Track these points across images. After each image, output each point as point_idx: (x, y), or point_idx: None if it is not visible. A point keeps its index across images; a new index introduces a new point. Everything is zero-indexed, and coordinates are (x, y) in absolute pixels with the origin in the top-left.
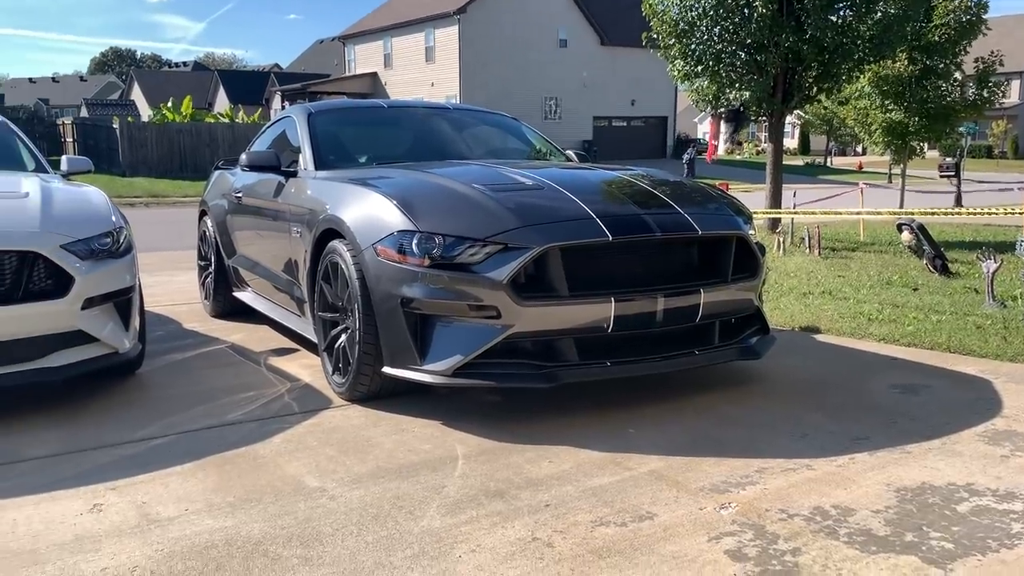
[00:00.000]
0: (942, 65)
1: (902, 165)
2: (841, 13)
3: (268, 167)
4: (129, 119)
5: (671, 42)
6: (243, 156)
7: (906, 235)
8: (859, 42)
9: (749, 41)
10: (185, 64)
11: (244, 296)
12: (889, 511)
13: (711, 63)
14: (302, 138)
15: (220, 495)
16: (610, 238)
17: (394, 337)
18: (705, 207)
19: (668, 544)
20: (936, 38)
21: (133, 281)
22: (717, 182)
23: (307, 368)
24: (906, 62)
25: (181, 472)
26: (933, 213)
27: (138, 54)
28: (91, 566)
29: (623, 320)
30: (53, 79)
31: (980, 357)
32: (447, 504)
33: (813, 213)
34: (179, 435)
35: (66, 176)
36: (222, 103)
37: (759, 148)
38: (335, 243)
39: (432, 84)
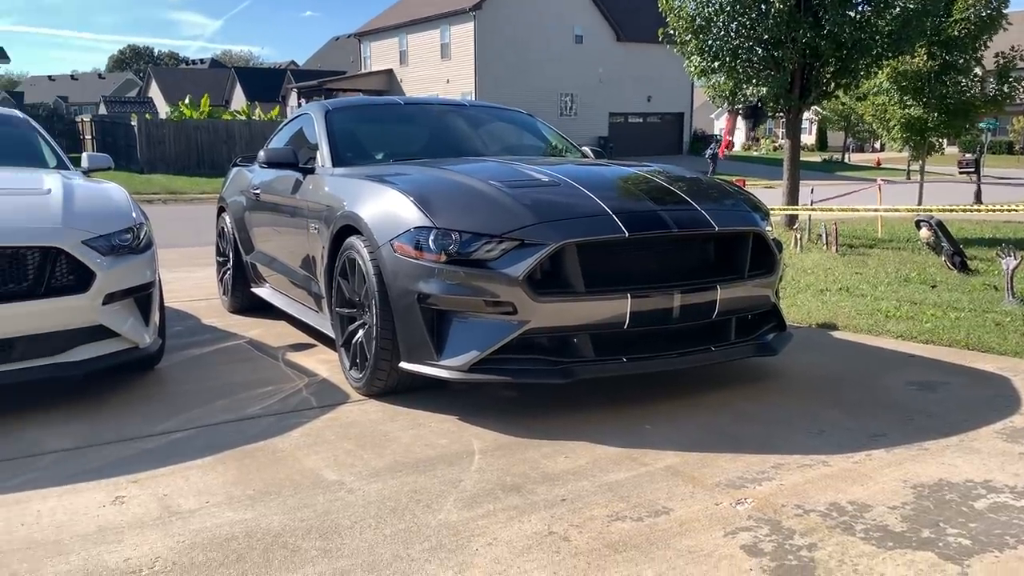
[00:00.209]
0: (962, 60)
1: (921, 161)
2: (859, 8)
3: (286, 164)
4: (147, 116)
5: (687, 38)
6: (261, 153)
7: (924, 232)
8: (877, 37)
9: (766, 37)
10: (202, 61)
11: (262, 292)
12: (906, 507)
13: (728, 59)
14: (319, 135)
15: (240, 488)
16: (626, 234)
17: (411, 333)
18: (722, 203)
19: (684, 539)
20: (956, 33)
21: (153, 277)
22: (734, 178)
23: (324, 363)
24: (925, 57)
25: (201, 465)
26: (952, 210)
27: (156, 51)
28: (114, 557)
29: (639, 316)
30: (72, 77)
31: (999, 354)
32: (464, 498)
33: (830, 210)
34: (199, 429)
35: (87, 173)
36: (239, 100)
37: (776, 144)
38: (352, 239)
39: (448, 81)
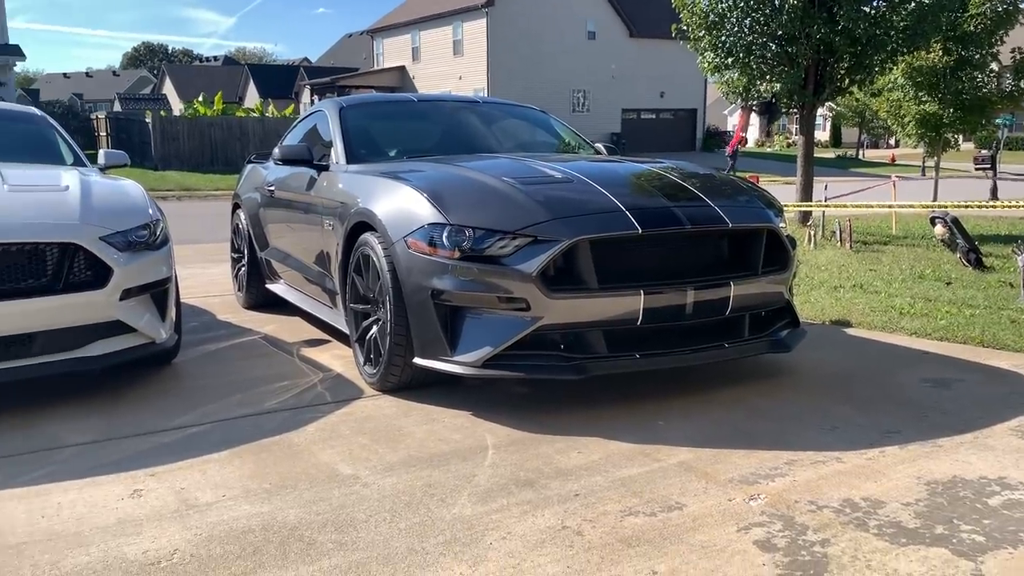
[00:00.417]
0: (978, 56)
1: (936, 158)
2: (874, 3)
3: (300, 161)
4: (161, 113)
5: (701, 34)
6: (276, 150)
7: (939, 228)
8: (892, 33)
9: (780, 32)
10: (216, 59)
11: (276, 288)
12: (919, 504)
13: (741, 55)
14: (334, 132)
15: (256, 482)
16: (639, 231)
17: (425, 328)
18: (735, 200)
19: (697, 534)
20: (971, 28)
21: (169, 272)
22: (747, 174)
23: (339, 359)
24: (940, 53)
25: (218, 459)
26: (967, 206)
27: (170, 49)
28: (133, 549)
29: (653, 313)
30: (87, 74)
31: (1014, 352)
32: (478, 492)
33: (844, 206)
34: (215, 423)
35: (103, 169)
36: (252, 97)
37: (790, 141)
38: (367, 236)
39: (460, 77)
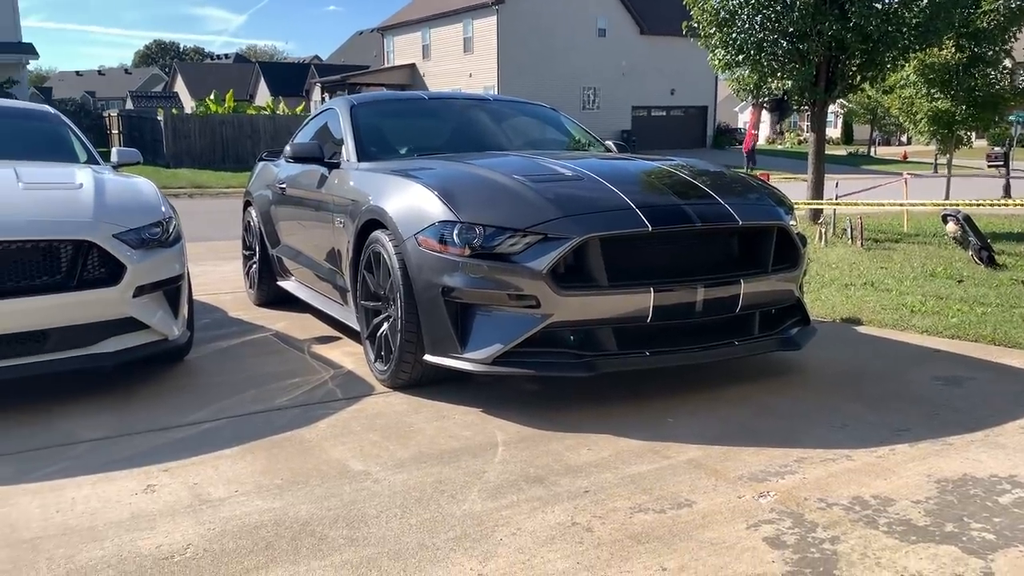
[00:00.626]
0: (991, 52)
1: (948, 155)
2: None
3: (311, 158)
4: (173, 111)
5: (711, 31)
6: (287, 148)
7: (951, 226)
8: (904, 29)
9: (791, 29)
10: (227, 56)
11: (287, 285)
12: (929, 502)
13: (752, 52)
14: (344, 130)
15: (268, 477)
16: (650, 228)
17: (435, 326)
18: (746, 197)
19: (706, 531)
20: (984, 24)
21: (182, 270)
22: (758, 172)
23: (349, 356)
24: (953, 49)
25: (230, 455)
26: (980, 204)
27: (181, 47)
28: (147, 543)
29: (663, 310)
30: (99, 72)
31: None
32: (488, 489)
33: (856, 204)
34: (228, 419)
35: (116, 167)
36: (263, 95)
37: (801, 138)
38: (377, 233)
39: (470, 75)
